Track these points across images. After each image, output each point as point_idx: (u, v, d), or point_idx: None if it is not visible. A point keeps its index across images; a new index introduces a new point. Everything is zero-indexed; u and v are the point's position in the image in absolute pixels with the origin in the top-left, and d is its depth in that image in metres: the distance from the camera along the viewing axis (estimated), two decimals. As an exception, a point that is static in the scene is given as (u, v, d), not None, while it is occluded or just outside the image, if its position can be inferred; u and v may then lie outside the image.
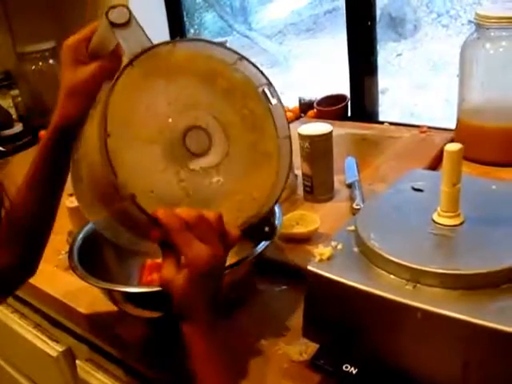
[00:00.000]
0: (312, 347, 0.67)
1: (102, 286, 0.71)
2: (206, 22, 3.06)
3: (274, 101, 0.68)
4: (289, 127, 0.70)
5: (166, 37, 1.75)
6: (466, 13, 2.10)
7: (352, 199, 0.98)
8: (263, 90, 0.68)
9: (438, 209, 0.63)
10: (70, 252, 0.78)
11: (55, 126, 0.68)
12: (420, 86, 1.96)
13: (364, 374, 0.61)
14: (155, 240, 0.58)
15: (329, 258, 0.63)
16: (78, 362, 0.99)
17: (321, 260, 0.63)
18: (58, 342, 1.03)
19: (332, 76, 1.94)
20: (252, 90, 0.67)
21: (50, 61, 1.62)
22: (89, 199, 0.67)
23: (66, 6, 1.72)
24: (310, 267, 0.63)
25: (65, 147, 0.68)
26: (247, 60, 0.67)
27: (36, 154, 0.70)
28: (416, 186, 0.71)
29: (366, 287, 0.58)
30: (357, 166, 1.11)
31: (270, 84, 0.68)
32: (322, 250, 0.64)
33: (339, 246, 0.65)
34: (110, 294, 0.73)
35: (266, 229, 0.73)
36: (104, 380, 0.93)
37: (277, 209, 0.80)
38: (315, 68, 2.37)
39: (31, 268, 0.76)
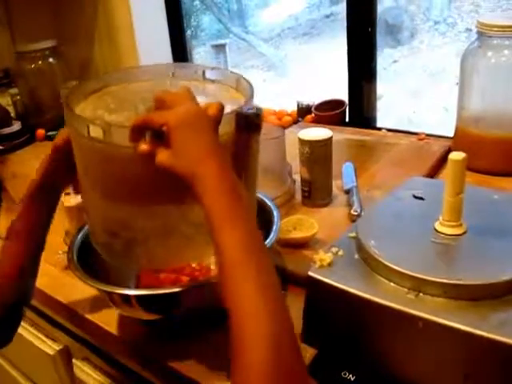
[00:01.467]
0: (310, 353, 0.66)
1: (102, 287, 0.70)
2: (203, 25, 3.06)
3: None
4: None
5: (165, 37, 1.75)
6: (464, 21, 2.11)
7: (350, 205, 0.98)
8: None
9: (440, 218, 0.62)
10: (69, 252, 0.77)
11: (38, 183, 0.71)
12: (416, 93, 1.96)
13: (362, 381, 0.60)
14: (143, 150, 0.54)
15: (329, 264, 0.63)
16: (74, 360, 0.98)
17: (321, 266, 0.63)
18: (54, 340, 1.02)
19: (329, 80, 1.93)
20: None
21: (50, 60, 1.61)
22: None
23: (65, 5, 1.71)
24: (310, 273, 0.62)
25: (46, 205, 0.72)
26: None
27: (20, 208, 0.72)
28: (417, 194, 0.71)
29: (367, 295, 0.58)
30: (354, 172, 1.10)
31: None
32: (322, 256, 0.63)
33: (340, 253, 0.64)
34: (110, 296, 0.72)
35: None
36: (100, 379, 0.92)
37: (275, 212, 0.79)
38: (312, 72, 2.37)
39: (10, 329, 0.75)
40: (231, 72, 0.72)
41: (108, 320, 0.80)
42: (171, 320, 0.73)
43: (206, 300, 0.69)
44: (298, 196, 1.03)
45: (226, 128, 0.57)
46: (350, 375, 0.61)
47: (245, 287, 0.46)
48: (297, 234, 0.88)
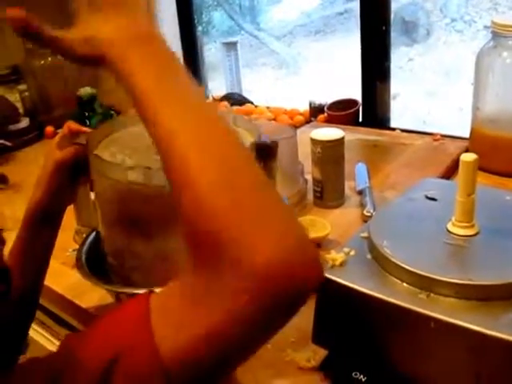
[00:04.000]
0: (320, 354, 0.68)
1: (110, 288, 0.72)
2: (214, 21, 3.08)
3: None
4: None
5: (175, 33, 1.77)
6: (482, 18, 2.11)
7: (362, 206, 1.00)
8: None
9: (453, 218, 0.64)
10: (79, 261, 0.79)
11: (36, 204, 0.70)
12: (432, 93, 1.96)
13: (373, 381, 0.62)
14: None
15: (341, 264, 0.64)
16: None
17: (333, 266, 0.64)
18: (61, 339, 1.04)
19: (342, 79, 1.95)
20: None
21: (59, 56, 1.64)
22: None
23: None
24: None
25: (47, 229, 0.72)
26: None
27: (17, 235, 0.72)
28: (429, 195, 0.73)
29: (379, 294, 0.59)
30: (367, 173, 1.12)
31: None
32: (334, 256, 0.65)
33: (352, 253, 0.66)
34: (118, 296, 0.74)
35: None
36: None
37: None
38: (325, 71, 2.38)
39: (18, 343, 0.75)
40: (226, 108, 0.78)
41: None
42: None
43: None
44: (310, 196, 1.05)
45: None
46: (361, 375, 0.62)
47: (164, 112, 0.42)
48: (309, 235, 0.90)
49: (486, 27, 2.13)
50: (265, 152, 0.61)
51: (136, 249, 0.67)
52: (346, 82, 1.81)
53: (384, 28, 1.36)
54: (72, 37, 0.50)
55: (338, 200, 1.02)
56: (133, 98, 0.45)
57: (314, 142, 0.99)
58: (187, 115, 0.43)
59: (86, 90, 1.27)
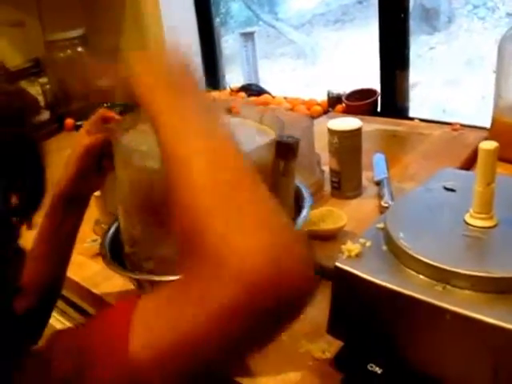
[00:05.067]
0: (335, 345, 0.68)
1: (134, 276, 0.72)
2: (232, 12, 3.07)
3: None
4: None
5: (193, 25, 1.77)
6: (505, 5, 2.06)
7: (380, 197, 0.99)
8: None
9: (471, 210, 0.63)
10: (102, 248, 0.79)
11: (64, 189, 0.71)
12: (453, 82, 1.93)
13: (389, 374, 0.61)
14: None
15: (357, 255, 0.64)
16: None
17: (349, 257, 0.64)
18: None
19: (361, 69, 1.93)
20: None
21: (79, 48, 1.65)
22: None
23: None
24: (337, 264, 0.64)
25: (71, 212, 0.73)
26: None
27: (41, 223, 0.72)
28: (448, 186, 0.71)
29: (395, 286, 0.59)
30: (386, 163, 1.11)
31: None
32: (350, 247, 0.65)
33: (368, 244, 0.65)
34: (140, 285, 0.75)
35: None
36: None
37: (306, 196, 0.80)
38: (343, 61, 2.36)
39: (40, 326, 0.76)
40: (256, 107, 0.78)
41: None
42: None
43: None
44: (327, 187, 1.05)
45: (268, 155, 0.60)
46: (377, 368, 0.62)
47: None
48: (325, 226, 0.90)
49: (508, 14, 2.09)
50: (285, 150, 0.61)
51: (152, 238, 0.67)
52: (364, 71, 1.79)
53: (403, 16, 1.33)
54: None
55: (356, 191, 1.02)
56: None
57: (331, 132, 0.98)
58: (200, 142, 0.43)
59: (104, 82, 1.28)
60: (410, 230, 0.64)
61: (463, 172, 0.91)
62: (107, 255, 0.76)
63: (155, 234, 0.67)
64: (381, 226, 0.68)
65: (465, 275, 0.56)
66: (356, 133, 0.97)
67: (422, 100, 1.58)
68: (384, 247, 0.65)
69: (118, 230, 0.82)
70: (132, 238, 0.70)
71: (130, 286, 0.81)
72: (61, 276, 0.77)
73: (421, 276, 0.59)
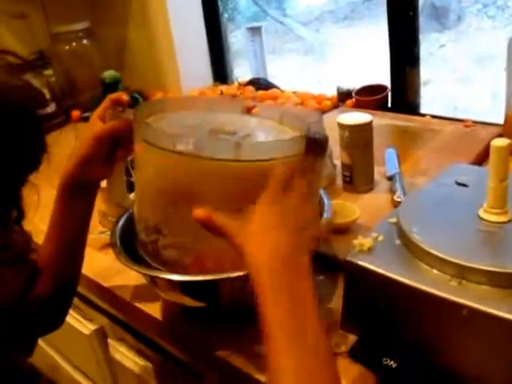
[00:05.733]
0: (349, 339, 0.68)
1: (148, 272, 0.71)
2: (240, 7, 3.06)
3: None
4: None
5: (200, 19, 1.76)
6: (516, 4, 2.05)
7: (392, 192, 0.98)
8: None
9: (484, 205, 0.62)
10: (113, 237, 0.78)
11: (73, 175, 0.72)
12: (464, 79, 1.92)
13: (404, 367, 0.61)
14: None
15: (369, 249, 0.63)
16: (109, 340, 1.02)
17: (361, 251, 0.63)
18: (91, 320, 1.06)
19: (370, 66, 1.92)
20: None
21: (84, 41, 1.65)
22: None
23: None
24: (349, 258, 0.63)
25: (79, 198, 0.73)
26: None
27: (53, 207, 0.74)
28: (460, 181, 0.71)
29: (408, 280, 0.58)
30: (397, 158, 1.10)
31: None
32: (362, 241, 0.64)
33: (380, 238, 0.65)
34: (154, 281, 0.74)
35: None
36: (135, 359, 0.96)
37: (325, 200, 0.80)
38: (353, 57, 2.35)
39: (61, 313, 0.79)
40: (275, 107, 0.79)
41: (145, 300, 0.83)
42: (215, 309, 0.75)
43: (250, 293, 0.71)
44: (339, 181, 1.04)
45: (297, 150, 0.60)
46: (392, 362, 0.62)
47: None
48: (338, 220, 0.89)
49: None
50: (314, 146, 0.60)
51: (173, 225, 0.66)
52: (374, 68, 1.78)
53: (412, 13, 1.33)
54: (232, 231, 0.54)
55: (368, 185, 1.01)
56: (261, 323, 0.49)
57: (341, 126, 0.98)
58: (299, 358, 0.47)
59: (109, 73, 1.28)
60: (423, 224, 0.63)
61: (475, 167, 0.91)
62: (118, 248, 0.75)
63: (177, 221, 0.66)
64: (393, 220, 0.67)
65: (481, 270, 0.55)
66: (367, 127, 0.96)
67: (434, 97, 1.57)
68: (397, 241, 0.64)
69: (128, 221, 0.81)
70: (150, 226, 0.69)
71: (141, 280, 0.81)
72: (76, 263, 0.77)
73: (435, 271, 0.58)
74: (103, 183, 0.97)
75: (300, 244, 0.53)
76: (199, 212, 0.55)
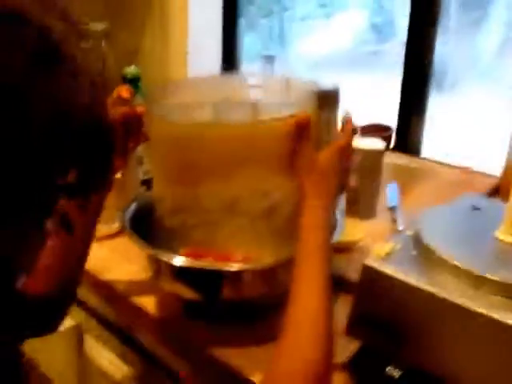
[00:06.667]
0: (351, 348, 0.68)
1: (156, 254, 0.72)
2: (245, 46, 3.14)
3: None
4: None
5: (217, 47, 1.80)
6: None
7: (394, 221, 1.01)
8: None
9: (502, 225, 0.65)
10: (122, 220, 0.79)
11: None
12: (466, 127, 2.00)
13: (407, 378, 0.62)
14: None
15: (387, 255, 0.65)
16: (85, 336, 1.00)
17: (378, 256, 0.65)
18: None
19: (372, 109, 1.97)
20: None
21: (100, 42, 1.65)
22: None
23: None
24: (366, 262, 0.65)
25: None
26: None
27: None
28: (476, 205, 0.74)
29: (424, 285, 0.60)
30: (399, 193, 1.13)
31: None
32: (380, 247, 0.66)
33: (397, 247, 0.67)
34: (157, 266, 0.74)
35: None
36: (109, 357, 0.95)
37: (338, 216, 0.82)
38: (355, 100, 2.41)
39: (55, 317, 0.76)
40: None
41: (143, 298, 0.83)
42: (214, 304, 0.76)
43: (253, 288, 0.73)
44: (343, 204, 1.06)
45: (312, 105, 0.62)
46: (395, 371, 0.62)
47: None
48: (343, 238, 0.90)
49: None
50: (327, 99, 0.63)
51: (201, 202, 0.67)
52: (376, 110, 1.84)
53: (425, 73, 1.39)
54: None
55: (371, 211, 1.03)
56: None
57: (355, 149, 1.00)
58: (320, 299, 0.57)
59: (130, 69, 1.29)
60: (441, 237, 0.65)
61: (487, 198, 0.94)
62: (129, 230, 0.75)
63: (203, 195, 0.67)
64: (410, 232, 0.69)
65: (496, 281, 0.58)
66: (380, 154, 1.00)
67: (435, 141, 1.63)
68: (413, 252, 0.66)
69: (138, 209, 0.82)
70: (176, 207, 0.69)
71: (140, 274, 0.81)
72: (82, 258, 0.75)
73: (451, 278, 0.60)
74: (118, 175, 0.97)
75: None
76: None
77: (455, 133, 1.89)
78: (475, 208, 0.73)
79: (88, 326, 1.01)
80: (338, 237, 0.76)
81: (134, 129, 0.73)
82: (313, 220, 0.62)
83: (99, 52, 1.59)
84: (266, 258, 0.70)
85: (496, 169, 1.22)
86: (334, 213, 0.73)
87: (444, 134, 1.85)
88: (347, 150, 0.70)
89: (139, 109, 0.72)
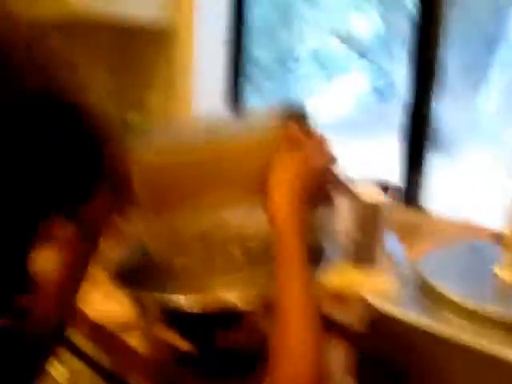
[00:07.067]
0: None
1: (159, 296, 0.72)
2: (249, 108, 3.23)
3: None
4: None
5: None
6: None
7: (393, 272, 1.00)
8: None
9: (501, 262, 0.65)
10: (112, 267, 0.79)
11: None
12: (466, 185, 2.02)
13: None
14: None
15: (387, 293, 0.65)
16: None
17: (378, 293, 0.65)
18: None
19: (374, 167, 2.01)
20: None
21: (103, 93, 1.70)
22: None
23: (128, 43, 1.84)
24: (368, 301, 0.65)
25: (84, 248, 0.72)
26: None
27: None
28: (475, 246, 0.74)
29: (424, 322, 0.60)
30: (399, 244, 1.14)
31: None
32: (379, 283, 0.66)
33: (398, 284, 0.67)
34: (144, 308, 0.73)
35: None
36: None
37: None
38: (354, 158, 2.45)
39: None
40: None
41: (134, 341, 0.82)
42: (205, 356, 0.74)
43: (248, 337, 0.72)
44: (344, 253, 1.06)
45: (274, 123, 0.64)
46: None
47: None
48: (339, 286, 0.90)
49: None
50: (294, 115, 0.64)
51: (177, 232, 0.68)
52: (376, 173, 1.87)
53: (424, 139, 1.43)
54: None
55: (371, 261, 1.03)
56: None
57: (359, 200, 1.02)
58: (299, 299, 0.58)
59: (133, 117, 1.32)
60: (441, 275, 0.66)
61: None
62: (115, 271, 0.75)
63: (174, 225, 0.67)
64: (410, 271, 0.69)
65: (496, 317, 0.57)
66: (380, 206, 1.01)
67: (435, 197, 1.65)
68: (414, 290, 0.66)
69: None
70: (154, 239, 0.70)
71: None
72: (72, 296, 0.73)
73: (452, 315, 0.60)
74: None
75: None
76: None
77: (456, 191, 1.91)
78: (474, 248, 0.74)
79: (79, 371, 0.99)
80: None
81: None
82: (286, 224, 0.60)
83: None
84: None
85: (496, 224, 1.22)
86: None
87: (445, 192, 1.87)
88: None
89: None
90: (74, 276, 0.72)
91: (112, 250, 0.96)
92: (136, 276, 0.78)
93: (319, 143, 0.65)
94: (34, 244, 0.53)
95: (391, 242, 1.14)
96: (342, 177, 0.72)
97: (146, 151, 0.66)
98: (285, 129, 0.63)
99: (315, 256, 0.72)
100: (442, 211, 1.62)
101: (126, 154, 0.67)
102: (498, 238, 1.16)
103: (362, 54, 2.72)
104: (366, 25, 2.68)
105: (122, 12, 1.49)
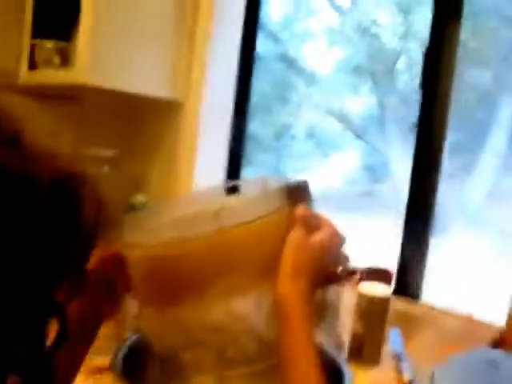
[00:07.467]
0: None
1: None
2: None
3: None
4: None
5: (222, 172, 1.86)
6: (501, 221, 2.21)
7: (398, 371, 0.99)
8: None
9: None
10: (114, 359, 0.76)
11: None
12: (465, 275, 2.01)
13: None
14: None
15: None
16: None
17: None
18: None
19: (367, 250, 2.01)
20: None
21: (105, 168, 1.69)
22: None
23: (133, 116, 1.85)
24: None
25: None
26: None
27: None
28: (490, 359, 0.74)
29: None
30: (401, 339, 1.12)
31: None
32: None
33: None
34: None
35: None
36: None
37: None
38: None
39: None
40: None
41: None
42: None
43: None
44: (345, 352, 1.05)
45: (279, 201, 0.63)
46: None
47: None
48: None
49: (502, 232, 2.23)
50: (298, 192, 0.63)
51: (183, 324, 0.64)
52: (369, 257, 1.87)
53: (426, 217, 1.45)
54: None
55: (375, 359, 1.02)
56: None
57: (361, 295, 1.01)
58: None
59: (139, 198, 1.32)
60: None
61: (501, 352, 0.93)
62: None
63: (180, 318, 0.64)
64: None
65: None
66: (386, 300, 1.00)
67: (436, 286, 1.65)
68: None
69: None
70: (158, 333, 0.66)
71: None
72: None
73: None
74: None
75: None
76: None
77: (450, 276, 1.91)
78: (490, 362, 0.73)
79: None
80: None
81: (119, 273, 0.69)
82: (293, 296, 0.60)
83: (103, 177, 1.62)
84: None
85: (497, 316, 1.21)
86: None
87: (441, 278, 1.87)
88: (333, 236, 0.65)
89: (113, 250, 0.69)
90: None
91: (111, 343, 0.94)
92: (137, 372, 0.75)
93: (331, 225, 0.64)
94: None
95: (394, 337, 1.13)
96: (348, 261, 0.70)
97: (146, 241, 0.65)
98: (295, 210, 0.62)
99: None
100: (440, 298, 1.62)
101: (124, 245, 0.67)
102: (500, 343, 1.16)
103: (358, 134, 2.77)
104: (361, 105, 2.75)
105: (131, 90, 1.52)
